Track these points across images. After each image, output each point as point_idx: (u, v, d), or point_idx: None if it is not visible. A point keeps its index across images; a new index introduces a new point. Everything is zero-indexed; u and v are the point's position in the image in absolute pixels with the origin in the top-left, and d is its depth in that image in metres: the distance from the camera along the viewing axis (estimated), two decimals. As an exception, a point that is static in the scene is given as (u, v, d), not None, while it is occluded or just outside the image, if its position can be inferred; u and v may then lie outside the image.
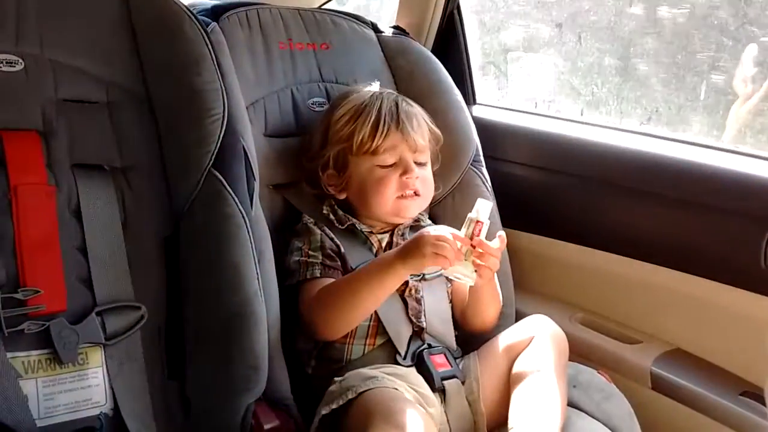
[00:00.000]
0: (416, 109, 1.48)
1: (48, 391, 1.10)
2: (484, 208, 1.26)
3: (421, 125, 1.46)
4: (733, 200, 1.40)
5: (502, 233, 1.28)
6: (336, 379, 1.26)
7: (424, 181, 1.44)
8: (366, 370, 1.26)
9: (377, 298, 1.31)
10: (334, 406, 1.19)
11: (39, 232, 1.14)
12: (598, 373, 1.40)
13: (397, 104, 1.44)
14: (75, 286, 1.15)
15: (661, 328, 1.52)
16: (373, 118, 1.41)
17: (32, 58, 1.20)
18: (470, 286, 1.35)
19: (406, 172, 1.40)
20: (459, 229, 1.26)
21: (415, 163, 1.42)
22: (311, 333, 1.34)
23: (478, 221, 1.25)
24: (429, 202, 1.50)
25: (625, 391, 1.37)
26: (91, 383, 1.13)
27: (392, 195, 1.41)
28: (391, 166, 1.41)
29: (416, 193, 1.42)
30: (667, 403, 1.45)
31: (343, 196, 1.46)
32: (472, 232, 1.25)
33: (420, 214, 1.52)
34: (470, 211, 1.26)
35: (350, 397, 1.18)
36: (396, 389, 1.19)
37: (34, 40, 1.20)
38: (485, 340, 1.42)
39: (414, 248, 1.24)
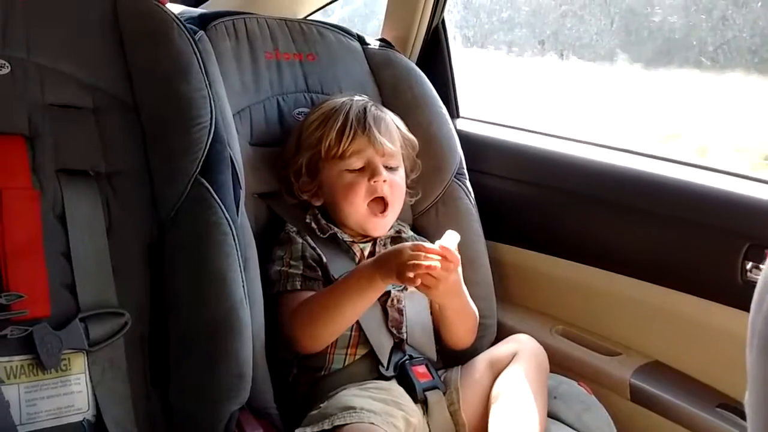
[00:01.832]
0: (386, 115, 1.48)
1: (30, 396, 1.09)
2: (452, 241, 1.27)
3: (390, 130, 1.46)
4: (711, 216, 1.42)
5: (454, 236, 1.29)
6: (321, 405, 1.25)
7: (393, 185, 1.43)
8: (348, 396, 1.24)
9: (355, 312, 1.31)
10: (308, 431, 1.18)
11: (23, 237, 1.13)
12: (579, 384, 1.41)
13: (365, 109, 1.45)
14: (59, 291, 1.14)
15: (641, 341, 1.54)
16: (340, 122, 1.42)
17: (19, 62, 1.19)
18: (438, 304, 1.39)
19: (373, 175, 1.40)
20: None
21: (385, 167, 1.42)
22: (291, 345, 1.33)
23: None
24: (397, 215, 1.49)
25: (604, 403, 1.39)
26: (73, 389, 1.12)
27: (362, 201, 1.41)
28: (359, 170, 1.41)
29: (385, 205, 1.42)
30: (645, 414, 1.46)
31: (319, 203, 1.46)
32: None
33: (401, 225, 1.53)
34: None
35: (325, 427, 1.17)
36: (372, 423, 1.17)
37: (21, 45, 1.19)
38: (470, 353, 1.43)
39: (389, 262, 1.25)
